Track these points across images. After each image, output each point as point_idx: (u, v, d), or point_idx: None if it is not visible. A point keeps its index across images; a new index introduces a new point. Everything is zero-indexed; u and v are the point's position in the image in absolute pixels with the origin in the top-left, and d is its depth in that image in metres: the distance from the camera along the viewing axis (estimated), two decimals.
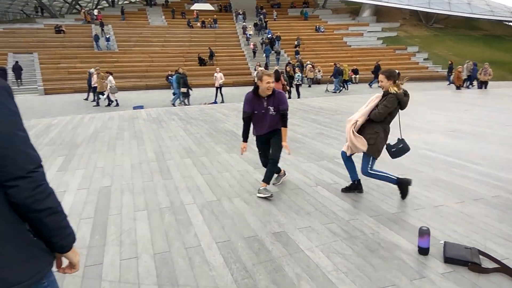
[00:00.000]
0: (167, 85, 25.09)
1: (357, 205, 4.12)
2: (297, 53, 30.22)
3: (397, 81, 4.08)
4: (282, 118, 4.35)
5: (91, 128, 9.13)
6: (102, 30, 31.27)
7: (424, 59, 32.61)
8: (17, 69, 23.76)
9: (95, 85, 16.69)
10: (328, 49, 33.26)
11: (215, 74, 17.75)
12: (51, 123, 10.11)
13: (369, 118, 4.15)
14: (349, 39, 35.31)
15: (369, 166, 4.20)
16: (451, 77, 22.43)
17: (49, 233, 1.25)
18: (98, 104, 16.82)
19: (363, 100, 4.69)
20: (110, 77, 15.97)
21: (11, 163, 1.11)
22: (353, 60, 30.22)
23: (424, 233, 3.06)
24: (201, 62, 28.58)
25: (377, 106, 4.10)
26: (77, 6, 46.89)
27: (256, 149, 4.74)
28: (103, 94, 16.72)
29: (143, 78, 26.19)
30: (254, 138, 4.65)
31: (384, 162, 5.68)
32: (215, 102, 16.56)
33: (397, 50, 33.70)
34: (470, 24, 41.86)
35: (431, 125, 8.70)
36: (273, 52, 30.07)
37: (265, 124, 4.40)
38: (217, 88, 17.58)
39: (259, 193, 4.38)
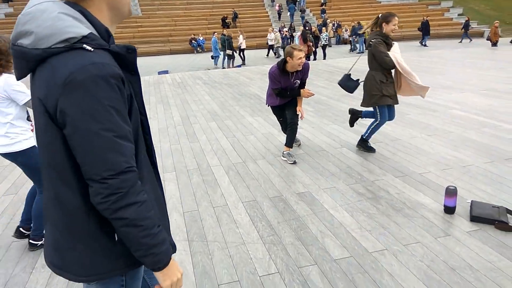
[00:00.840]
0: (191, 49, 25.00)
1: (383, 166, 4.10)
2: (323, 11, 29.12)
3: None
4: (300, 86, 4.32)
5: None
6: None
7: (459, 15, 30.74)
8: None
9: None
10: (357, 6, 31.83)
11: (238, 38, 17.52)
12: None
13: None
14: None
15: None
16: (467, 34, 21.37)
17: (127, 244, 1.08)
18: None
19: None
20: None
21: (88, 164, 0.99)
22: None
23: (450, 192, 3.03)
24: (225, 24, 28.09)
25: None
26: None
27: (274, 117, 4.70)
28: None
29: (167, 42, 26.13)
30: (270, 108, 4.57)
31: (411, 122, 5.57)
32: (240, 66, 16.42)
33: (430, 6, 31.83)
34: None
35: (463, 84, 8.35)
36: (297, 10, 29.12)
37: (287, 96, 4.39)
38: (240, 50, 17.44)
39: (283, 156, 4.42)
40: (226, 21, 28.13)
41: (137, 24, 27.85)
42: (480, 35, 27.26)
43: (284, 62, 4.06)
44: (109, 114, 0.97)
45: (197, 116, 6.68)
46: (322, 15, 28.36)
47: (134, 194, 1.02)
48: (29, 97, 2.54)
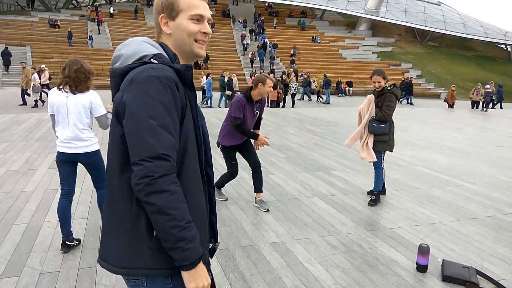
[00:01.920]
0: None
1: (354, 219, 4.11)
2: (292, 62, 30.38)
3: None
4: (259, 121, 4.39)
5: None
6: (99, 27, 31.03)
7: (418, 76, 33.07)
8: (6, 55, 23.62)
9: (45, 82, 15.57)
10: (324, 60, 33.54)
11: (201, 78, 17.81)
12: (42, 118, 9.94)
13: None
14: (344, 51, 35.67)
15: (382, 159, 4.63)
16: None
17: (157, 233, 1.15)
18: (24, 103, 14.59)
19: (357, 113, 4.73)
20: (35, 75, 14.23)
21: (132, 147, 1.15)
22: (347, 72, 30.53)
23: (423, 250, 3.06)
24: (196, 64, 28.52)
25: (378, 107, 4.44)
26: (74, 1, 46.55)
27: (261, 155, 4.43)
28: (28, 95, 14.63)
29: None
30: (221, 148, 4.32)
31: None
32: (210, 106, 16.52)
33: (391, 65, 34.10)
34: (464, 44, 42.70)
35: (425, 142, 8.79)
36: (268, 57, 30.23)
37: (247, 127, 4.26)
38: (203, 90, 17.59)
39: (255, 203, 4.35)
40: (198, 61, 28.57)
41: (107, 57, 27.66)
42: (437, 96, 29.27)
43: (250, 89, 4.10)
44: (156, 106, 1.15)
45: None
46: (292, 65, 29.54)
47: (166, 182, 1.12)
48: (104, 113, 3.20)
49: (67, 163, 3.26)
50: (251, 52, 30.41)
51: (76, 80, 3.08)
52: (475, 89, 18.32)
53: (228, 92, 16.58)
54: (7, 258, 2.98)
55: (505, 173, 6.27)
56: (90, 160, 3.25)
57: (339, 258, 3.25)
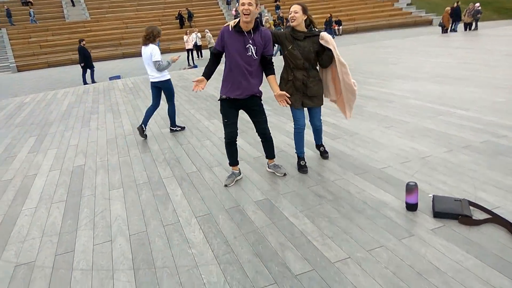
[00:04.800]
0: None
1: (343, 164, 3.95)
2: (277, 7, 29.10)
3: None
4: (268, 64, 3.40)
5: (64, 104, 8.72)
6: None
7: (408, 5, 31.75)
8: None
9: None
10: (309, 1, 32.09)
11: (185, 37, 17.22)
12: (23, 101, 9.64)
13: (310, 65, 3.59)
14: None
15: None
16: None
17: None
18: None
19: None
20: None
21: None
22: (336, 10, 29.29)
23: (411, 188, 2.91)
24: (181, 21, 27.36)
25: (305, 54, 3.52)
26: None
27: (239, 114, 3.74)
28: None
29: (119, 46, 25.15)
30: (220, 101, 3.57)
31: (369, 114, 5.49)
32: (195, 66, 16.01)
33: None
34: None
35: (416, 72, 8.45)
36: None
37: (241, 78, 3.31)
38: (188, 50, 17.16)
39: (269, 168, 3.92)
40: (183, 16, 27.39)
41: (86, 29, 26.65)
42: (429, 23, 28.28)
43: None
44: None
45: (150, 123, 6.30)
46: (277, 11, 28.34)
47: None
48: (156, 60, 5.02)
49: (153, 88, 5.36)
50: (234, 9, 28.95)
51: (145, 38, 5.06)
52: (466, 10, 17.54)
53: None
54: None
55: (499, 94, 6.02)
56: (165, 86, 5.30)
57: (326, 207, 3.12)
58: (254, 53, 3.26)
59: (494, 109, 5.24)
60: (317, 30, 3.54)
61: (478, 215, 2.79)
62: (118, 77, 13.52)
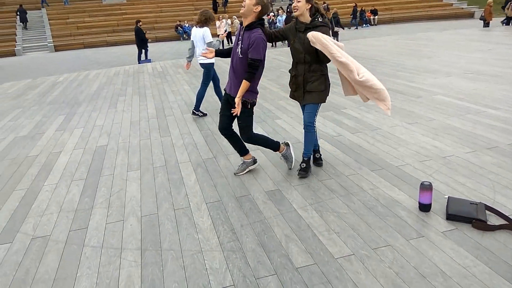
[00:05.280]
0: (177, 37, 24.46)
1: (359, 159, 3.88)
2: None
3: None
4: (247, 66, 3.17)
5: (95, 85, 8.98)
6: None
7: None
8: (23, 12, 24.31)
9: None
10: None
11: (217, 23, 17.20)
12: (56, 80, 10.00)
13: (312, 59, 3.33)
14: None
15: (316, 116, 3.49)
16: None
17: None
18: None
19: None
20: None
21: None
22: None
23: (425, 188, 2.82)
24: (215, 6, 27.42)
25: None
26: None
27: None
28: None
29: (152, 30, 25.51)
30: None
31: (394, 109, 5.34)
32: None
33: None
34: None
35: (449, 67, 8.11)
36: None
37: (230, 73, 3.34)
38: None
39: (281, 157, 3.79)
40: (217, 2, 27.40)
41: (121, 11, 27.19)
42: (471, 15, 27.01)
43: None
44: None
45: (173, 107, 6.40)
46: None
47: None
48: (209, 41, 5.36)
49: (202, 67, 5.69)
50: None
51: (200, 21, 5.40)
52: (510, 3, 16.54)
53: (337, 28, 16.78)
54: (2, 225, 3.04)
55: None
56: (208, 68, 5.64)
57: (336, 202, 3.08)
58: (239, 51, 3.17)
59: None
60: (320, 20, 3.26)
61: (494, 220, 2.68)
62: (149, 61, 13.76)
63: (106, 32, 24.60)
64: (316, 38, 3.11)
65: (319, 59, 3.31)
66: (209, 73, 5.64)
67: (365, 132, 4.63)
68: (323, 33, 3.17)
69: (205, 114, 5.79)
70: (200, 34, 5.40)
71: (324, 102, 3.44)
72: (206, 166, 3.96)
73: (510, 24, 16.66)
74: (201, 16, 5.33)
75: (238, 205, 3.13)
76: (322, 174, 3.60)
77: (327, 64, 3.43)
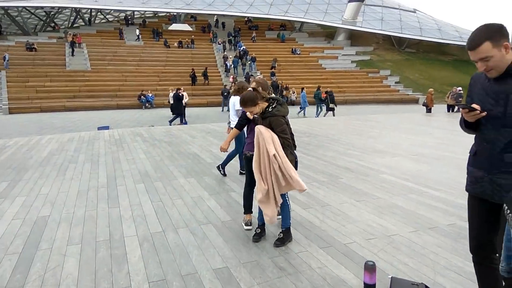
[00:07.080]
0: (139, 105, 24.74)
1: (309, 235, 3.92)
2: (272, 74, 30.44)
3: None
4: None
5: (46, 150, 8.70)
6: (73, 49, 30.31)
7: (396, 82, 33.48)
8: None
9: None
10: (304, 71, 33.72)
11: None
12: (5, 144, 9.60)
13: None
14: (324, 62, 36.00)
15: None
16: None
17: None
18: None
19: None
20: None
21: None
22: (327, 82, 30.68)
23: (369, 268, 2.87)
24: (194, 80, 28.43)
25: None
26: (52, 24, 46.28)
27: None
28: None
29: (114, 97, 25.71)
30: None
31: (343, 186, 5.54)
32: (185, 123, 16.31)
33: (370, 73, 34.50)
34: (441, 49, 43.47)
35: (395, 149, 8.69)
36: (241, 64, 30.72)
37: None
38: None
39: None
40: (195, 76, 28.46)
41: (84, 78, 27.39)
42: (416, 101, 29.60)
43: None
44: None
45: (126, 176, 6.27)
46: (272, 77, 29.60)
47: None
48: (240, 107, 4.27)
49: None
50: (232, 76, 29.95)
51: (236, 91, 5.56)
52: (450, 93, 18.49)
53: (332, 105, 19.74)
54: None
55: None
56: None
57: (285, 281, 3.04)
58: None
59: (466, 192, 5.33)
60: (270, 110, 3.60)
61: None
62: (106, 128, 13.66)
63: (66, 97, 24.44)
64: (260, 134, 3.54)
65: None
66: (241, 134, 5.49)
67: (315, 207, 4.73)
68: (272, 122, 3.57)
69: (224, 175, 6.29)
70: (232, 102, 6.06)
71: None
72: (154, 240, 3.82)
73: (450, 111, 18.41)
74: (238, 87, 5.77)
75: (183, 285, 3.00)
76: (273, 250, 3.57)
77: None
